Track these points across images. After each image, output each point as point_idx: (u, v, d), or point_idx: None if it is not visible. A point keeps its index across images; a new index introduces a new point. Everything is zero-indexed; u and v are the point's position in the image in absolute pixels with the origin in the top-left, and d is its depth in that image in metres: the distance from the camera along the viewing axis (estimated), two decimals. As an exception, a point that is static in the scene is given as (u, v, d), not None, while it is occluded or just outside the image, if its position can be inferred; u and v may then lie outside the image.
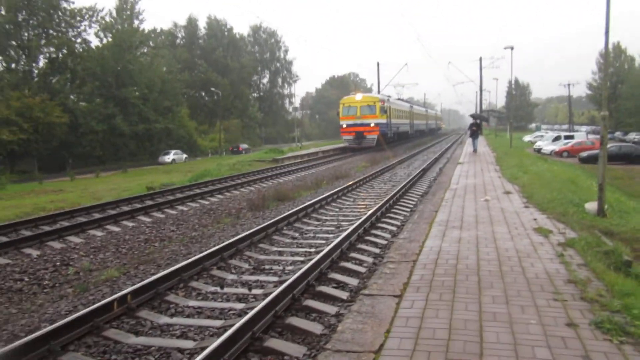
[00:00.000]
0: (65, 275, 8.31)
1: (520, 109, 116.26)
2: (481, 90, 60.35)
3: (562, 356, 3.56)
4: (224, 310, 6.04)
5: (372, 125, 37.42)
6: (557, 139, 47.16)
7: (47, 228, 11.59)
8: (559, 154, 39.13)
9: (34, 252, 9.60)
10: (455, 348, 3.75)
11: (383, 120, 38.81)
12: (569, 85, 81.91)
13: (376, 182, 17.99)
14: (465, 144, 28.60)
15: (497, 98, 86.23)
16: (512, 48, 38.42)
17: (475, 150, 28.07)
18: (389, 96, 47.09)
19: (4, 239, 10.59)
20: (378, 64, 61.55)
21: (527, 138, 62.29)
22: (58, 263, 8.89)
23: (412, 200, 13.09)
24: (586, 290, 4.85)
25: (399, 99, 52.55)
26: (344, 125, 38.85)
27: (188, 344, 5.11)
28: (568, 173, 16.24)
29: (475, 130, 28.96)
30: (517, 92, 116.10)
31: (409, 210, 11.69)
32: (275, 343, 4.93)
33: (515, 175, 14.13)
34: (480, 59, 56.96)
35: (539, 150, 42.47)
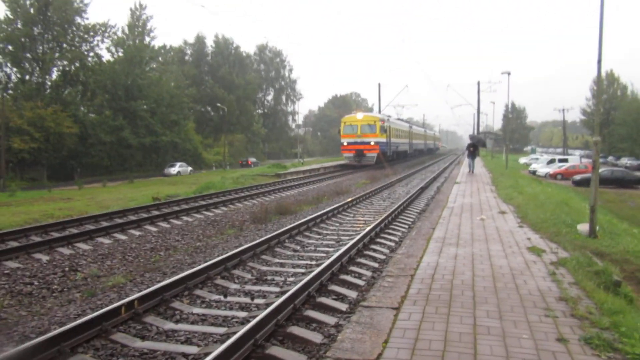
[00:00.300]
0: (74, 281, 8.55)
1: (516, 131, 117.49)
2: (479, 112, 61.12)
3: (550, 368, 3.75)
4: (228, 318, 6.25)
5: (372, 143, 38.22)
6: (551, 161, 47.59)
7: (56, 234, 11.86)
8: (553, 176, 39.54)
9: (44, 257, 9.84)
10: (450, 359, 3.95)
11: (383, 139, 39.57)
12: (563, 110, 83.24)
13: (375, 199, 18.22)
14: (462, 164, 28.82)
15: (494, 120, 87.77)
16: (509, 73, 39.43)
17: (472, 171, 27.82)
18: (389, 116, 47.91)
19: (14, 243, 10.87)
20: (379, 85, 62.70)
21: (522, 160, 62.92)
22: (67, 268, 9.12)
23: (411, 217, 13.31)
24: (577, 307, 5.04)
25: (398, 119, 53.28)
26: (345, 143, 39.58)
27: (192, 350, 5.31)
28: (561, 195, 16.45)
29: (472, 151, 28.75)
30: (514, 115, 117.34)
31: (407, 226, 11.91)
32: (276, 351, 5.12)
33: (510, 195, 14.34)
34: (478, 83, 58.16)
35: (534, 173, 42.78)
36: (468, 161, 29.15)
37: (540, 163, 48.80)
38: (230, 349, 4.75)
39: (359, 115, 40.55)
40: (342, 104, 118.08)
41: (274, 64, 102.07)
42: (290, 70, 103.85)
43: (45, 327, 6.13)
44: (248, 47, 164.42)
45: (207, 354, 4.76)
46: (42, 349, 5.00)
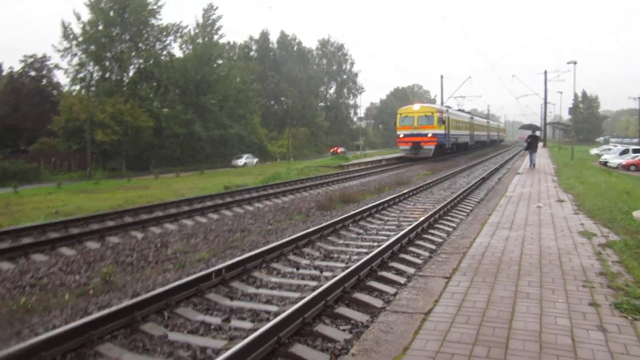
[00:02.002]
0: (165, 255, 9.84)
1: (587, 121, 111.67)
2: (545, 103, 58.96)
3: (579, 324, 4.39)
4: (300, 286, 7.22)
5: (429, 135, 37.33)
6: (625, 152, 45.23)
7: (145, 216, 13.38)
8: (626, 167, 37.79)
9: (139, 235, 11.29)
10: (490, 314, 4.68)
11: (441, 131, 38.51)
12: (639, 98, 78.03)
13: (436, 189, 18.74)
14: (527, 155, 27.65)
15: (561, 110, 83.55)
16: (575, 63, 38.05)
17: (532, 165, 24.96)
18: (448, 107, 46.71)
19: (112, 223, 12.44)
20: (442, 76, 61.84)
21: (593, 151, 60.10)
22: (158, 244, 10.46)
23: (469, 206, 13.84)
24: (615, 280, 5.58)
25: (459, 110, 51.69)
26: (401, 135, 38.93)
27: (272, 308, 6.32)
28: (626, 185, 16.22)
29: (531, 142, 25.44)
30: (585, 105, 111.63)
31: (465, 214, 12.48)
32: (343, 310, 6.04)
33: (571, 185, 14.47)
34: (545, 72, 55.92)
35: (605, 164, 41.07)
36: (529, 155, 26.03)
37: (612, 154, 46.67)
38: (303, 307, 5.68)
39: (416, 107, 39.69)
40: (404, 96, 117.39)
41: (336, 58, 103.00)
42: (352, 64, 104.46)
43: (150, 288, 7.33)
44: (309, 42, 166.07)
45: (284, 311, 5.71)
46: (154, 301, 6.16)
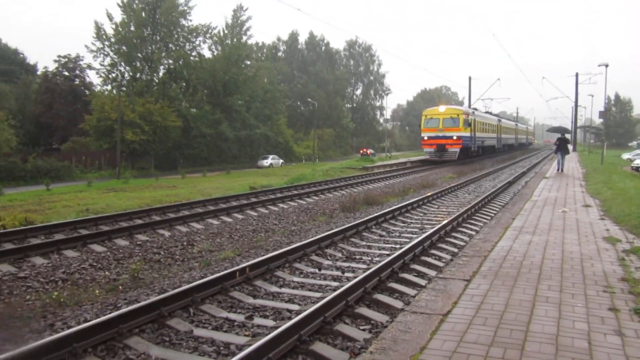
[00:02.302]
0: (191, 253, 10.10)
1: (619, 125, 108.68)
2: (576, 106, 57.51)
3: (597, 328, 4.40)
4: (322, 286, 7.35)
5: (454, 138, 36.54)
6: (658, 157, 44.05)
7: (172, 215, 13.71)
8: None
9: (166, 233, 11.60)
10: (508, 317, 4.73)
11: (466, 134, 37.65)
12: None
13: (461, 192, 18.65)
14: (555, 159, 26.61)
15: (591, 113, 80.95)
16: (606, 65, 37.21)
17: (560, 170, 23.51)
18: (475, 109, 45.80)
19: (140, 221, 12.79)
20: (470, 78, 61.09)
21: (625, 156, 58.56)
22: (185, 243, 10.74)
23: (494, 210, 13.76)
24: (636, 286, 5.54)
25: (486, 112, 50.41)
26: (425, 138, 38.18)
27: (294, 307, 6.46)
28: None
29: (559, 145, 23.74)
30: (617, 108, 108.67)
31: (489, 217, 12.43)
32: (364, 311, 6.14)
33: (598, 190, 14.24)
34: (577, 75, 54.48)
35: (637, 169, 40.00)
36: (558, 158, 24.54)
37: (645, 158, 45.48)
38: (324, 307, 5.80)
39: (441, 108, 38.93)
40: (431, 98, 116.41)
41: (364, 59, 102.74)
42: (379, 65, 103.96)
43: (177, 285, 7.57)
44: (337, 43, 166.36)
45: (306, 310, 5.85)
46: (178, 299, 6.37)
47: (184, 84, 54.95)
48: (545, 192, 14.59)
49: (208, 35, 56.36)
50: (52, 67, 53.06)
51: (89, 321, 5.67)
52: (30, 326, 6.17)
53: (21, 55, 61.96)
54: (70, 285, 7.98)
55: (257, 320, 5.99)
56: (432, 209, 14.63)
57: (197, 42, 55.45)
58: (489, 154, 48.09)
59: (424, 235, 9.49)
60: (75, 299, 7.25)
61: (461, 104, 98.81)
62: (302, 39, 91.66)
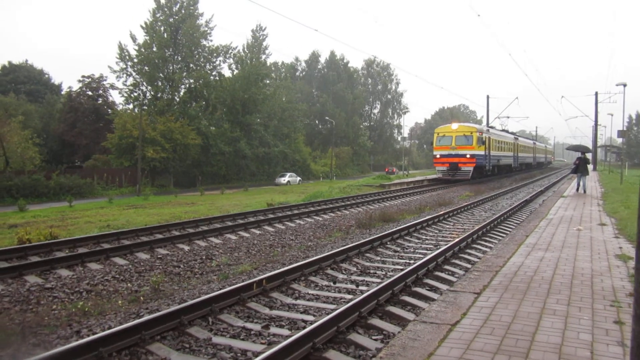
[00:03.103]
0: (210, 266, 10.39)
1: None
2: (596, 125, 57.05)
3: (600, 340, 4.52)
4: (337, 298, 7.55)
5: (467, 156, 35.43)
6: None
7: (191, 230, 14.05)
8: None
9: (185, 247, 11.92)
10: (514, 328, 4.88)
11: (480, 152, 36.40)
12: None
13: (477, 210, 18.70)
14: (575, 178, 25.47)
15: (611, 132, 79.88)
16: (624, 85, 37.14)
17: (583, 190, 21.97)
18: (491, 127, 44.91)
19: (160, 236, 13.15)
20: (487, 96, 61.04)
21: None
22: (204, 257, 11.03)
23: (509, 227, 13.84)
24: (644, 302, 5.66)
25: (502, 130, 49.19)
26: (438, 156, 37.15)
27: (309, 318, 6.67)
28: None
29: (579, 165, 22.23)
30: (639, 128, 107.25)
31: (504, 235, 12.52)
32: (376, 322, 6.33)
33: (615, 209, 14.20)
34: (596, 94, 54.20)
35: None
36: (577, 178, 22.88)
37: (666, 179, 44.87)
38: (338, 317, 6.00)
39: (454, 126, 37.84)
40: (449, 116, 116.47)
41: (381, 78, 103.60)
42: (397, 84, 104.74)
43: (196, 296, 7.83)
44: (355, 62, 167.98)
45: (319, 320, 6.06)
46: (198, 308, 6.63)
47: (204, 103, 56.02)
48: (561, 211, 14.60)
49: (228, 55, 57.53)
50: (76, 87, 54.72)
51: (113, 327, 5.96)
52: (57, 333, 6.47)
53: (46, 76, 63.98)
54: (94, 296, 8.29)
55: (273, 330, 6.21)
56: (447, 226, 14.73)
57: (217, 62, 56.66)
58: (505, 173, 47.06)
59: (437, 251, 9.64)
60: (99, 309, 7.56)
61: (479, 122, 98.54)
62: (322, 58, 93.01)
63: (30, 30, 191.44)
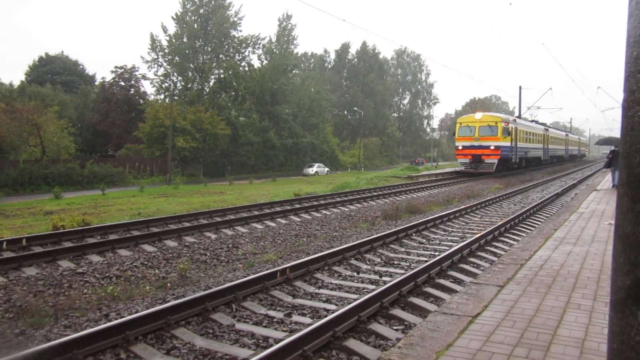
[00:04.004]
0: (236, 255, 10.54)
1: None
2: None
3: (627, 336, 4.47)
4: (359, 288, 7.58)
5: (492, 148, 33.42)
6: None
7: (218, 219, 14.26)
8: None
9: (212, 236, 12.12)
10: (537, 321, 4.82)
11: (506, 143, 34.33)
12: None
13: (506, 203, 18.41)
14: (608, 173, 24.55)
15: None
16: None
17: (614, 185, 19.96)
18: (518, 117, 42.97)
19: (188, 224, 13.40)
20: (520, 87, 59.46)
21: None
22: (230, 245, 11.20)
23: (538, 221, 13.58)
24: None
25: (532, 121, 46.84)
26: (460, 147, 35.27)
27: (331, 307, 6.72)
28: None
29: (612, 158, 20.90)
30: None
31: (532, 228, 12.30)
32: (398, 312, 6.34)
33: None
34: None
35: None
36: (611, 172, 21.50)
37: None
38: (359, 306, 6.03)
39: (478, 115, 35.67)
40: (481, 108, 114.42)
41: (412, 68, 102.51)
42: (428, 74, 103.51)
43: (221, 283, 7.98)
44: (385, 52, 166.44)
45: (341, 309, 6.10)
46: (222, 295, 6.75)
47: (233, 93, 56.51)
48: (593, 205, 14.25)
49: (257, 46, 57.81)
50: (109, 77, 55.87)
51: (140, 312, 6.13)
52: (87, 316, 6.70)
53: (81, 67, 65.56)
54: (123, 281, 8.53)
55: (295, 318, 6.29)
56: (474, 219, 14.56)
57: (247, 53, 57.00)
58: (534, 166, 44.84)
59: (463, 244, 9.56)
60: (127, 294, 7.77)
61: (511, 113, 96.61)
62: (353, 49, 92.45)
63: (65, 22, 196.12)
